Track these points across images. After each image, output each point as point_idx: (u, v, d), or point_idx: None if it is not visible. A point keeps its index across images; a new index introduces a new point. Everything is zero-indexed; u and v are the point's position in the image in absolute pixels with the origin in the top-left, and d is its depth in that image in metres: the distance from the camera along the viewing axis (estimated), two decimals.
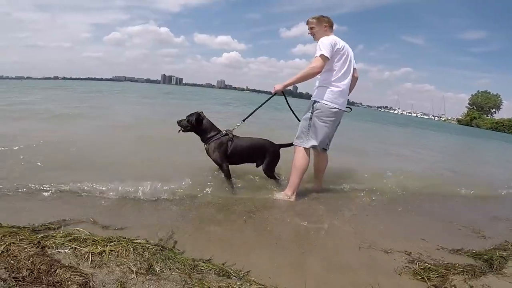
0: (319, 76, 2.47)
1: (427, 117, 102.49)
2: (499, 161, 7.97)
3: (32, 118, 5.37)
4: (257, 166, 2.75)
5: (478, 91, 66.26)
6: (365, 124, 14.64)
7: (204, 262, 1.43)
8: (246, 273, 1.41)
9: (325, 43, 2.31)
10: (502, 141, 17.73)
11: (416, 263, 1.65)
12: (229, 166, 2.58)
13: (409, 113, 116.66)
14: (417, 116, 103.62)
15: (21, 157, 2.77)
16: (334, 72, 2.41)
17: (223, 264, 1.44)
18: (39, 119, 5.31)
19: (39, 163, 2.67)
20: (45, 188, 2.19)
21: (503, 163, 7.62)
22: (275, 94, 2.62)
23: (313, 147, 2.51)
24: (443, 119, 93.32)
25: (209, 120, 2.61)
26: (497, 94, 63.42)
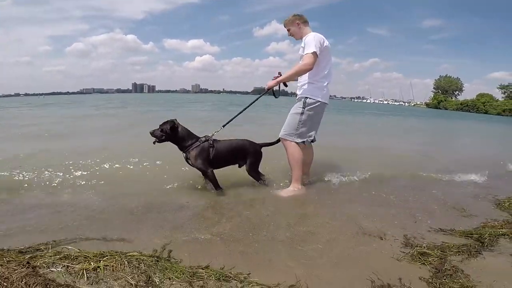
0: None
1: (398, 103, 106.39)
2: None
3: None
4: (240, 166, 2.73)
5: (440, 76, 70.47)
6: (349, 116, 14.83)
7: (202, 269, 1.40)
8: (247, 275, 1.39)
9: (315, 40, 2.38)
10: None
11: (413, 248, 1.68)
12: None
13: (381, 101, 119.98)
14: (388, 103, 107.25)
15: None
16: (321, 69, 2.50)
17: (221, 269, 1.42)
18: None
19: None
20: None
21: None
22: (268, 90, 2.65)
23: (303, 142, 2.59)
24: (412, 104, 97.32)
25: (185, 128, 2.55)
26: (457, 77, 68.25)
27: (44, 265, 1.32)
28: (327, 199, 2.52)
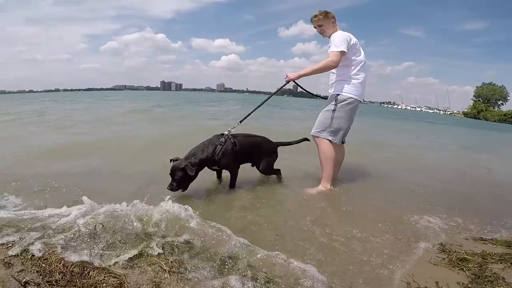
0: (334, 71, 2.52)
1: (432, 111, 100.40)
2: None
3: None
4: (253, 165, 2.65)
5: (483, 83, 64.72)
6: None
7: (230, 258, 1.41)
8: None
9: (342, 38, 2.35)
10: None
11: (451, 254, 1.60)
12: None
13: (413, 107, 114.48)
14: (421, 110, 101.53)
15: None
16: (353, 67, 2.46)
17: (251, 260, 1.41)
18: None
19: None
20: None
21: None
22: (288, 82, 2.60)
23: (337, 140, 2.54)
24: (448, 112, 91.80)
25: (196, 155, 2.24)
26: (502, 85, 62.06)
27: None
28: (359, 200, 2.43)
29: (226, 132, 2.46)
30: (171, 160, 2.25)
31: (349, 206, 2.26)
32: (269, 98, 2.73)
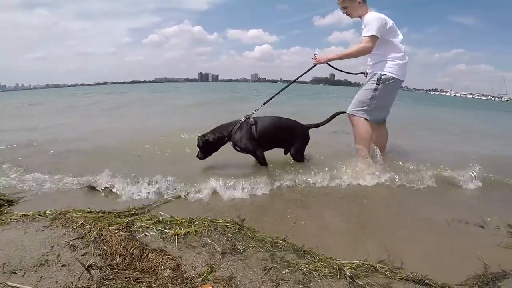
0: (373, 53, 2.41)
1: (486, 98, 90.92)
2: None
3: None
4: (286, 152, 2.57)
5: None
6: None
7: (282, 240, 1.38)
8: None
9: (375, 23, 2.28)
10: None
11: None
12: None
13: (464, 94, 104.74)
14: (473, 97, 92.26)
15: None
16: (394, 47, 2.40)
17: (303, 246, 1.36)
18: None
19: None
20: None
21: None
22: (315, 65, 2.53)
23: (374, 120, 2.47)
24: (505, 99, 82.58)
25: (215, 130, 2.42)
26: None
27: (140, 229, 1.38)
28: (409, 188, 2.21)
29: (249, 114, 2.46)
30: None
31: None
32: (294, 81, 2.75)
